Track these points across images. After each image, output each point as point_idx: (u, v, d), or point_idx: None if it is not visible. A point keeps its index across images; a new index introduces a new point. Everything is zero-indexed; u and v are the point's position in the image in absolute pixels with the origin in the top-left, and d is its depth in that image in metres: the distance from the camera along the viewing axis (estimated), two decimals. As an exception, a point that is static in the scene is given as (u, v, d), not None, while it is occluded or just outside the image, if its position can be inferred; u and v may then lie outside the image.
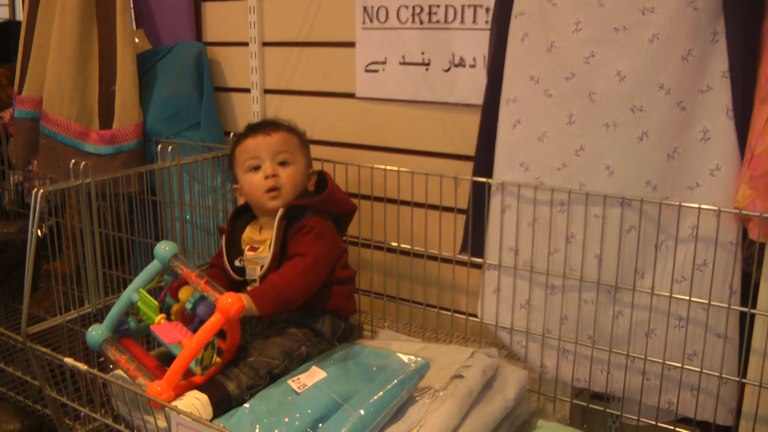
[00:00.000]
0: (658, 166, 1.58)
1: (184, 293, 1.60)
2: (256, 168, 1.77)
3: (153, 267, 1.61)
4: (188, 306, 1.56)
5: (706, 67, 1.53)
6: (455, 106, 1.97)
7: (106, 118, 2.26)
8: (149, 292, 1.62)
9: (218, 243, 1.86)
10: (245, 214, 1.86)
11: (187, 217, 2.12)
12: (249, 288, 1.75)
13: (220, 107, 2.41)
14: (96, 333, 1.61)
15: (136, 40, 2.39)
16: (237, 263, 1.78)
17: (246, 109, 2.38)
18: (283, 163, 1.77)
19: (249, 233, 1.81)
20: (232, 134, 1.97)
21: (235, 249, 1.80)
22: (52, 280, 2.28)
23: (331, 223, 1.76)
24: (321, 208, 1.74)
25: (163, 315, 1.59)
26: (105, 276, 1.89)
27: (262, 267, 1.71)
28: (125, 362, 1.55)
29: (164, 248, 1.59)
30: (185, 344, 1.47)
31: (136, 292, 1.61)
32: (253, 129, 1.82)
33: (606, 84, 1.60)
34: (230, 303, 1.47)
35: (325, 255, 1.67)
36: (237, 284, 1.78)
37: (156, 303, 1.60)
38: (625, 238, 1.63)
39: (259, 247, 1.75)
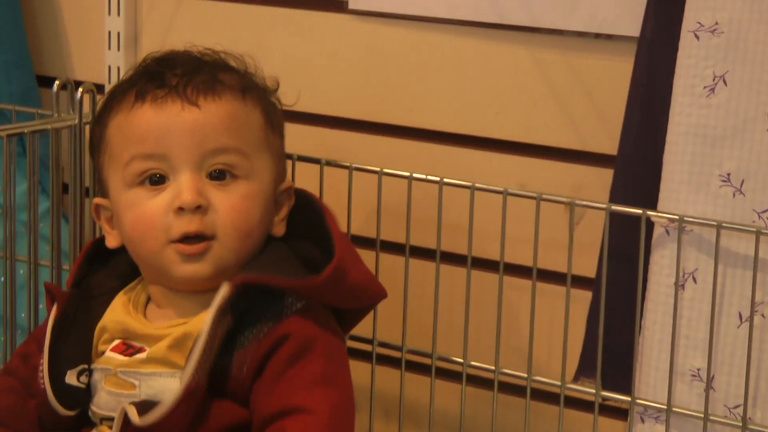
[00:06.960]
0: None
1: None
2: (157, 181, 1.14)
3: None
4: None
5: None
6: (573, 38, 1.36)
7: None
8: None
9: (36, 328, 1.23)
10: (113, 262, 1.22)
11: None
12: None
13: (29, 19, 1.70)
14: None
15: None
16: (71, 378, 1.14)
17: (93, 24, 1.63)
18: (220, 176, 1.15)
19: (120, 311, 1.18)
20: (81, 91, 1.26)
21: (74, 344, 1.17)
22: None
23: (333, 318, 1.20)
24: (313, 295, 1.17)
25: None
26: None
27: (146, 405, 1.07)
28: None
29: None
30: None
31: None
32: (155, 78, 1.12)
33: None
34: None
35: (347, 400, 1.17)
36: (63, 425, 1.13)
37: None
38: None
39: (139, 346, 1.17)
